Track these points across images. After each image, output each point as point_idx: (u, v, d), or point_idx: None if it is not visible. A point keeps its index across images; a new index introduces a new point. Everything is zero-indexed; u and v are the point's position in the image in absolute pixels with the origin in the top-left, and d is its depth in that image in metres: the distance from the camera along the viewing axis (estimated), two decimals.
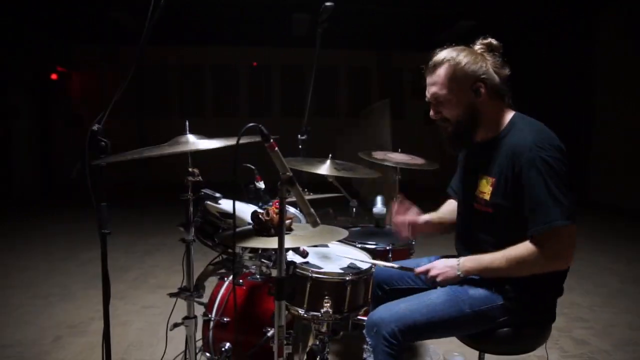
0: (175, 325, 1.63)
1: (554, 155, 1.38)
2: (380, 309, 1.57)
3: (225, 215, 1.70)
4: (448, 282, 1.55)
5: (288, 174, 1.12)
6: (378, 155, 2.82)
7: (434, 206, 1.97)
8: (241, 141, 1.16)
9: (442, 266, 1.57)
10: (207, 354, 2.21)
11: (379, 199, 2.62)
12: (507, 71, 1.54)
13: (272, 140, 1.09)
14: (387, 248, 2.30)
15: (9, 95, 7.98)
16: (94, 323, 3.08)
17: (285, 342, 1.48)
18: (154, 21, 1.69)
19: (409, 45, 9.36)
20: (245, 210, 1.81)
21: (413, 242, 2.41)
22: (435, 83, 1.54)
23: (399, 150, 2.88)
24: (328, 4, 2.55)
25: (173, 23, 9.00)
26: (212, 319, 2.18)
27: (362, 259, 1.89)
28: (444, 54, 1.54)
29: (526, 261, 1.40)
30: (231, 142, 1.34)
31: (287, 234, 1.44)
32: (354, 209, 2.75)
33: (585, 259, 4.78)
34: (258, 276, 2.20)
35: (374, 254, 2.29)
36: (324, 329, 1.91)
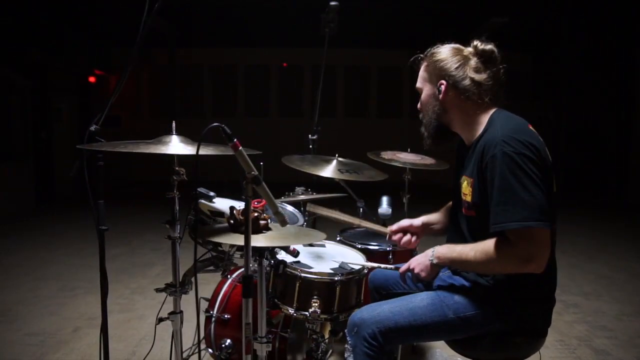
0: (161, 320, 1.68)
1: (521, 152, 1.31)
2: (363, 309, 1.55)
3: (215, 213, 1.73)
4: (426, 272, 1.50)
5: (253, 172, 1.13)
6: (386, 155, 2.79)
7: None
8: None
9: (417, 257, 1.54)
10: (210, 350, 2.27)
11: (384, 199, 2.59)
12: (483, 76, 1.47)
13: (235, 140, 1.10)
14: (388, 249, 2.26)
15: (52, 99, 8.42)
16: (111, 316, 3.20)
17: (266, 340, 1.50)
18: (149, 24, 1.76)
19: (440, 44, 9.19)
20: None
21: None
22: (419, 76, 1.61)
23: (409, 150, 2.84)
24: (333, 3, 2.55)
25: (206, 25, 9.25)
26: (214, 315, 2.23)
27: (354, 261, 1.87)
28: (433, 49, 1.56)
29: (494, 258, 1.34)
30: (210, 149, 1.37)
31: (262, 233, 1.45)
32: (361, 210, 2.72)
33: (618, 265, 4.54)
34: None
35: (374, 255, 2.27)
36: (317, 329, 1.92)
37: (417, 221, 1.81)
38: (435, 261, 1.48)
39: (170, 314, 1.65)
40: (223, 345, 2.19)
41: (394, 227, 1.80)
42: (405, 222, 1.80)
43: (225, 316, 2.17)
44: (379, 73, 11.43)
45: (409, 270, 1.56)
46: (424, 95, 1.59)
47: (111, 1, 7.56)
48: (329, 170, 2.41)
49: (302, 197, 2.43)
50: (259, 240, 1.40)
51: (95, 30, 8.93)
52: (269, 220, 1.47)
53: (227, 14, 8.52)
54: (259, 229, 1.44)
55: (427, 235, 1.84)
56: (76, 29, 8.57)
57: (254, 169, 1.13)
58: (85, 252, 4.85)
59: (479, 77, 1.47)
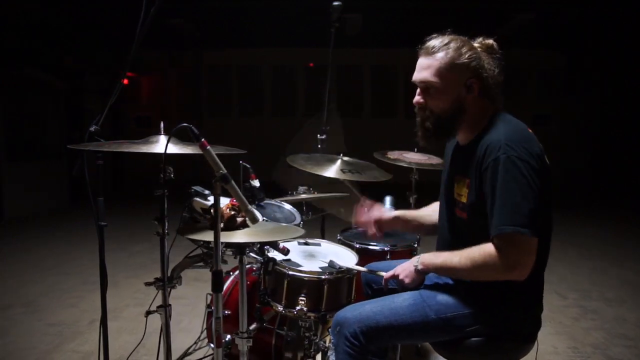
0: (149, 312, 1.74)
1: (524, 158, 1.29)
2: (347, 308, 1.55)
3: (208, 211, 1.77)
4: (411, 278, 1.49)
5: (222, 171, 1.15)
6: (393, 155, 2.76)
7: None
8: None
9: (403, 264, 1.53)
10: (211, 345, 2.32)
11: (387, 199, 2.56)
12: (501, 77, 1.43)
13: (202, 140, 1.13)
14: (386, 249, 2.24)
15: (85, 101, 8.78)
16: (127, 310, 3.33)
17: (247, 335, 1.52)
18: (147, 26, 1.82)
19: None
20: None
21: (416, 245, 2.34)
22: (429, 67, 1.41)
23: (415, 150, 2.81)
24: (336, 3, 2.55)
25: (232, 27, 9.39)
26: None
27: (345, 261, 1.87)
28: (447, 39, 1.42)
29: (478, 264, 1.32)
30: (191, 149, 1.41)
31: (239, 230, 1.48)
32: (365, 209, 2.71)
33: None
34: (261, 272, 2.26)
35: (373, 255, 2.25)
36: (310, 327, 1.93)
37: (388, 215, 1.82)
38: (420, 267, 1.47)
39: (158, 307, 1.70)
40: (223, 341, 2.23)
41: (362, 217, 1.85)
42: (375, 214, 1.82)
43: (226, 312, 2.21)
44: (405, 72, 11.31)
45: (393, 277, 1.55)
46: (445, 93, 1.41)
47: (140, 5, 7.83)
48: (332, 170, 2.40)
49: (303, 196, 2.45)
50: (235, 237, 1.42)
51: (126, 33, 9.26)
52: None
53: (253, 15, 8.64)
54: (236, 226, 1.47)
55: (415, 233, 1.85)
56: (107, 32, 8.90)
57: (222, 168, 1.15)
58: (108, 247, 5.02)
59: (497, 77, 1.43)
